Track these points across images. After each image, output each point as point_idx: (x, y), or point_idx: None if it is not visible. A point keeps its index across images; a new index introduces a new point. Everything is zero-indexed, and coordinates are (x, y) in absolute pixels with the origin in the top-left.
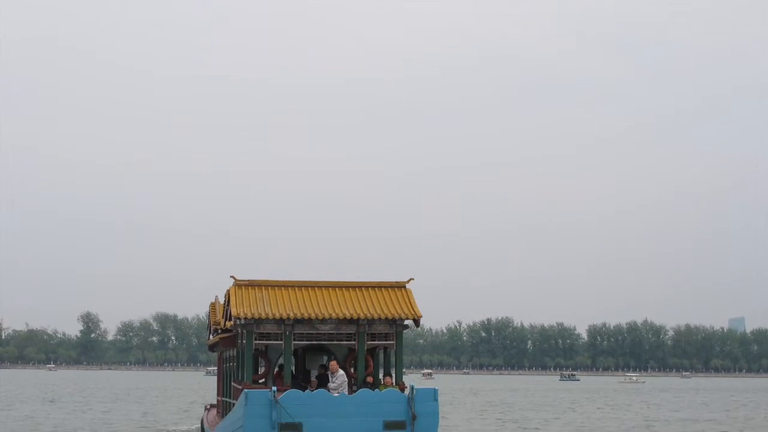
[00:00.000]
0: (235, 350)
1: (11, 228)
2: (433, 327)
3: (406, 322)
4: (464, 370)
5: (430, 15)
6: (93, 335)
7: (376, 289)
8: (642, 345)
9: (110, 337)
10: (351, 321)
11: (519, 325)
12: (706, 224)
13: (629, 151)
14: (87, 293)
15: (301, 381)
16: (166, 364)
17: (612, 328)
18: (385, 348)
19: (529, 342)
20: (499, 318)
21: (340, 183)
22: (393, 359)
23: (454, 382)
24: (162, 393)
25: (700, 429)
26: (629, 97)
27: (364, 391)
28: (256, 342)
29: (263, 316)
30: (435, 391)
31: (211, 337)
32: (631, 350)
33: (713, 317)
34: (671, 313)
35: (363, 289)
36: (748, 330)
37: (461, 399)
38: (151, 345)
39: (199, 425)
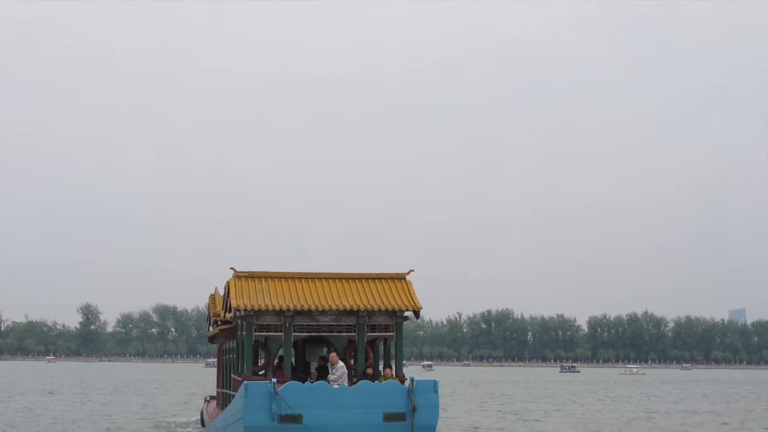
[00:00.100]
0: (234, 342)
1: (10, 220)
2: (433, 318)
3: (406, 313)
4: (464, 362)
5: (430, 9)
6: (92, 327)
7: (376, 280)
8: (642, 337)
9: (110, 328)
10: (351, 312)
11: (519, 316)
12: (706, 216)
13: (631, 144)
14: (86, 285)
15: (301, 373)
16: (165, 355)
17: (612, 319)
18: (385, 339)
19: (530, 334)
20: (500, 310)
21: (339, 176)
22: (393, 351)
23: (455, 374)
24: (162, 385)
25: (700, 421)
26: (631, 90)
27: (364, 383)
28: (256, 333)
29: (263, 307)
30: (435, 383)
31: (210, 328)
32: (631, 342)
33: (714, 309)
34: (672, 304)
35: (363, 280)
36: (749, 322)
37: (461, 391)
38: (151, 337)
39: (199, 417)
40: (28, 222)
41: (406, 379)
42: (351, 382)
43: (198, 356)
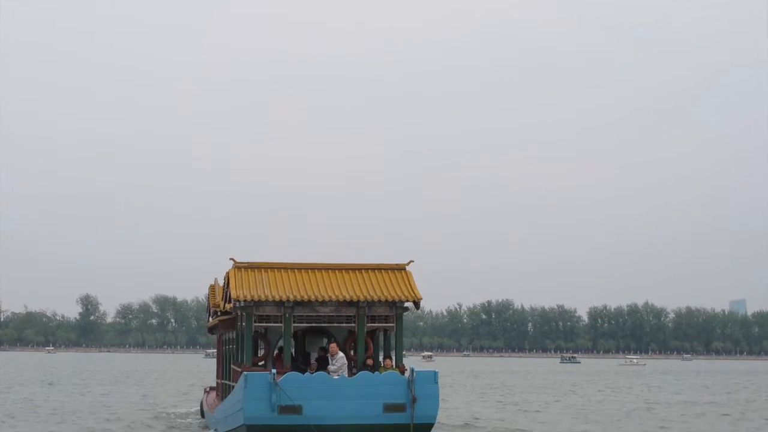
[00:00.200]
0: (234, 333)
1: (10, 210)
2: (433, 309)
3: (406, 304)
4: (464, 353)
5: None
6: (92, 318)
7: (376, 271)
8: (643, 327)
9: (109, 319)
10: (351, 303)
11: (519, 307)
12: (707, 206)
13: (629, 135)
14: (86, 275)
15: (300, 363)
16: (165, 346)
17: (613, 310)
18: (385, 330)
19: (530, 324)
20: (500, 300)
21: (340, 166)
22: (393, 341)
23: (455, 365)
24: (161, 375)
25: (701, 412)
26: (630, 80)
27: (364, 374)
28: (256, 324)
29: (263, 298)
30: (435, 374)
31: (210, 319)
32: (631, 333)
33: (714, 299)
34: (672, 295)
35: (363, 271)
36: (749, 312)
37: (461, 381)
38: (151, 327)
39: (199, 408)
40: (27, 213)
41: (406, 369)
42: (351, 373)
43: (197, 347)
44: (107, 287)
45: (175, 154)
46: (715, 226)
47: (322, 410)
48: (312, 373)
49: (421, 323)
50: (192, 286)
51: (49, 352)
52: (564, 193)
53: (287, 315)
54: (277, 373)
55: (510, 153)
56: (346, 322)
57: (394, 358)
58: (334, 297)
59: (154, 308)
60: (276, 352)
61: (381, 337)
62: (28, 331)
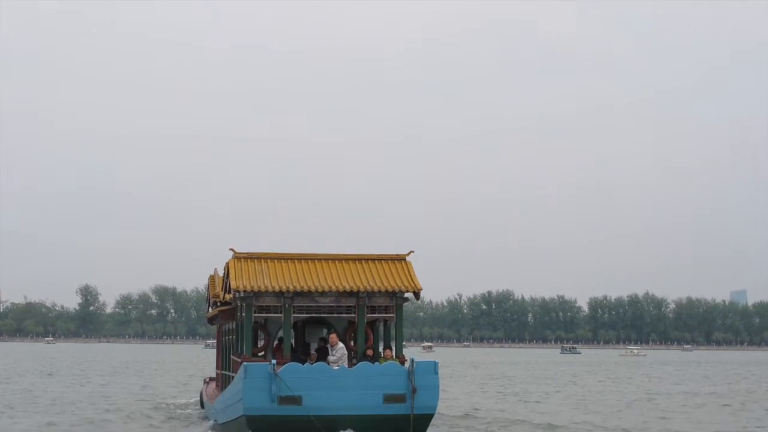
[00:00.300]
0: (234, 323)
1: (9, 199)
2: (433, 300)
3: (406, 294)
4: (465, 343)
5: None
6: (91, 308)
7: (376, 261)
8: (643, 318)
9: (109, 310)
10: (351, 294)
11: (520, 297)
12: (707, 197)
13: (630, 125)
14: (86, 266)
15: (300, 354)
16: (165, 337)
17: (613, 300)
18: (385, 321)
19: (530, 315)
20: (500, 291)
21: (340, 151)
22: (393, 332)
23: (455, 355)
24: (161, 366)
25: (701, 402)
26: (629, 71)
27: (363, 365)
28: (256, 315)
29: (262, 288)
30: (435, 364)
31: (210, 310)
32: (632, 323)
33: (714, 290)
34: (672, 285)
35: (363, 261)
36: (750, 303)
37: (462, 372)
38: (150, 318)
39: (198, 398)
40: (27, 203)
41: (406, 360)
42: (351, 364)
43: (197, 337)
44: (107, 277)
45: (174, 145)
46: (716, 216)
47: (321, 401)
48: (312, 364)
49: (421, 314)
50: (191, 277)
51: (48, 343)
52: (564, 182)
53: (287, 305)
54: (277, 363)
55: (510, 140)
56: (346, 313)
57: (394, 348)
58: (334, 287)
59: (154, 299)
60: (276, 342)
61: (381, 328)
62: (28, 322)
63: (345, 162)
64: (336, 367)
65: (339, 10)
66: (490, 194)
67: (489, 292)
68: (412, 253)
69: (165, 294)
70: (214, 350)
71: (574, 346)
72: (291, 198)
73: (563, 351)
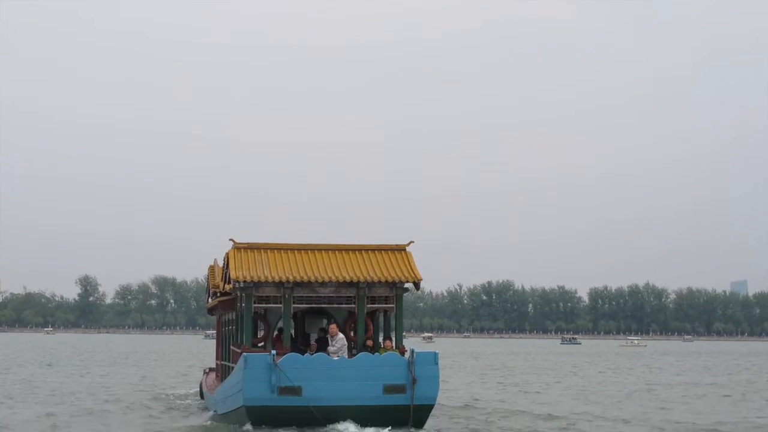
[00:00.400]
0: (234, 313)
1: (10, 190)
2: (433, 290)
3: (406, 285)
4: (465, 334)
5: None
6: (91, 298)
7: (376, 252)
8: (644, 308)
9: (108, 300)
10: (351, 284)
11: (520, 288)
12: (707, 187)
13: (629, 114)
14: (85, 256)
15: (300, 344)
16: (164, 327)
17: (613, 291)
18: (385, 311)
19: (530, 305)
20: (500, 281)
21: (340, 145)
22: (393, 323)
23: (455, 346)
24: (160, 356)
25: (702, 393)
26: (629, 62)
27: (363, 355)
28: (256, 305)
29: (262, 279)
30: (435, 355)
31: (210, 300)
32: (632, 313)
33: (715, 280)
34: (673, 276)
35: (363, 252)
36: (751, 293)
37: (462, 362)
38: (150, 308)
39: (198, 389)
40: (27, 193)
41: (406, 350)
42: (351, 354)
43: (197, 328)
44: (106, 267)
45: (174, 136)
46: (716, 206)
47: (321, 391)
48: (312, 354)
49: (421, 304)
50: (191, 267)
51: (47, 333)
52: (564, 172)
53: (287, 296)
54: (277, 354)
55: (509, 132)
56: (346, 303)
57: (394, 339)
58: (334, 278)
59: (154, 289)
60: (276, 333)
61: (381, 318)
62: (27, 312)
63: (345, 154)
64: (336, 358)
65: (338, 8)
66: (490, 185)
67: (489, 283)
68: (412, 244)
69: (165, 284)
70: (214, 341)
71: (575, 336)
72: (291, 189)
73: (563, 341)
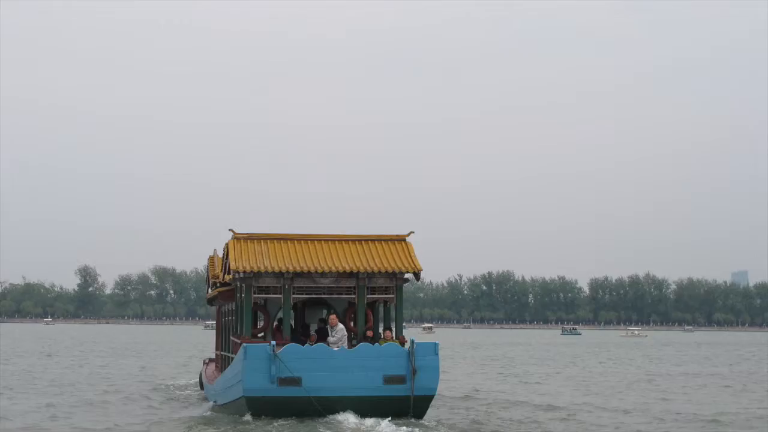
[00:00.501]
0: (233, 304)
1: (9, 180)
2: (433, 280)
3: (407, 275)
4: (465, 324)
5: None
6: (90, 289)
7: (376, 242)
8: (644, 299)
9: (108, 290)
10: (351, 274)
11: (520, 278)
12: (707, 176)
13: (629, 104)
14: (85, 246)
15: (300, 335)
16: (164, 317)
17: (614, 281)
18: (385, 302)
19: (531, 296)
20: (501, 271)
21: (340, 136)
22: (393, 313)
23: (455, 336)
24: (160, 347)
25: (702, 383)
26: (630, 48)
27: (363, 345)
28: (255, 296)
29: (262, 269)
30: (435, 345)
31: (209, 290)
32: (633, 304)
33: (716, 270)
34: (673, 266)
35: (363, 242)
36: (752, 283)
37: (462, 353)
38: (149, 299)
39: (198, 379)
40: (27, 183)
41: (406, 341)
42: (351, 345)
43: (197, 318)
44: (105, 257)
45: (174, 125)
46: (716, 196)
47: (321, 382)
48: (312, 345)
49: (422, 295)
50: (191, 257)
51: (47, 324)
52: (563, 162)
53: (287, 286)
54: (277, 344)
55: (509, 121)
56: (346, 294)
57: (394, 329)
58: (333, 268)
59: (153, 279)
60: (275, 323)
61: (381, 309)
62: (27, 303)
63: (345, 144)
64: (336, 348)
65: None
66: (490, 174)
67: (489, 273)
68: (412, 234)
69: (164, 275)
70: (214, 331)
71: (575, 327)
72: (291, 179)
73: (564, 332)
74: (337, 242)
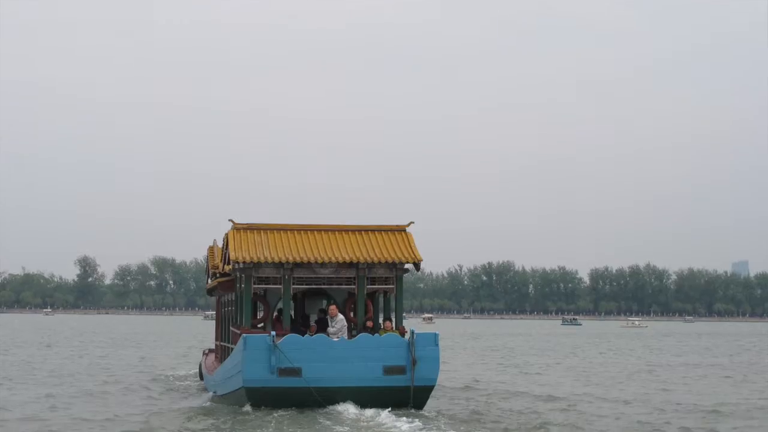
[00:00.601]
0: (233, 294)
1: (9, 171)
2: (433, 271)
3: (407, 265)
4: (465, 315)
5: None
6: (90, 279)
7: (376, 232)
8: (644, 289)
9: (107, 281)
10: (351, 265)
11: (520, 269)
12: (708, 167)
13: (629, 95)
14: (84, 237)
15: (300, 325)
16: (164, 308)
17: (614, 271)
18: (385, 292)
19: (531, 286)
20: (501, 262)
21: (340, 129)
22: (393, 303)
23: (455, 327)
24: (160, 338)
25: (703, 374)
26: (629, 40)
27: (363, 336)
28: (255, 286)
29: (262, 260)
30: (435, 336)
31: (209, 281)
32: (633, 294)
33: (716, 261)
34: (674, 256)
35: (363, 232)
36: (752, 274)
37: (462, 343)
38: (149, 289)
39: (197, 370)
40: (27, 174)
41: (406, 331)
42: (350, 335)
43: (196, 309)
44: (104, 248)
45: (174, 115)
46: (716, 186)
47: (321, 372)
48: (311, 335)
49: (422, 285)
50: (191, 248)
51: (47, 314)
52: (563, 152)
53: (287, 277)
54: (277, 335)
55: (509, 113)
56: (346, 284)
57: (394, 320)
58: (333, 258)
59: (153, 270)
60: (275, 314)
61: (381, 299)
62: (26, 293)
63: (345, 138)
64: (336, 339)
65: None
66: (490, 165)
67: (489, 264)
68: (412, 224)
69: (164, 265)
70: (213, 322)
71: (575, 317)
72: (291, 171)
73: (564, 322)
74: (336, 232)
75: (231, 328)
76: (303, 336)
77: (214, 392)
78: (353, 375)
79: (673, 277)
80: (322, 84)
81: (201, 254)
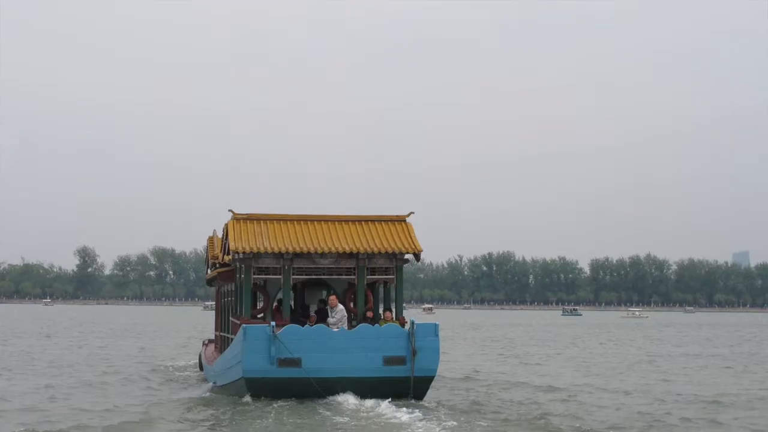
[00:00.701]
0: (233, 285)
1: (9, 161)
2: (433, 261)
3: (407, 256)
4: (465, 305)
5: None
6: (90, 270)
7: (376, 222)
8: (645, 279)
9: (107, 271)
10: (351, 255)
11: (521, 259)
12: (709, 157)
13: (628, 86)
14: (84, 227)
15: (300, 316)
16: (163, 298)
17: (614, 262)
18: (385, 282)
19: (531, 276)
20: (501, 252)
21: (340, 118)
22: (393, 294)
23: (455, 317)
24: (159, 328)
25: (703, 364)
26: (629, 32)
27: (363, 326)
28: (255, 276)
29: (262, 250)
30: (436, 326)
31: (209, 271)
32: (634, 285)
33: (717, 251)
34: (674, 247)
35: (363, 223)
36: (753, 264)
37: (462, 334)
38: (149, 279)
39: (197, 360)
40: (26, 164)
41: (406, 322)
42: (350, 326)
43: (196, 299)
44: (104, 238)
45: (174, 106)
46: (718, 177)
47: (321, 363)
48: (311, 326)
49: (422, 275)
50: (191, 238)
51: (46, 305)
52: (563, 142)
53: (286, 267)
54: (276, 325)
55: (509, 101)
56: (346, 274)
57: (394, 310)
58: (333, 249)
59: (152, 260)
60: (275, 304)
61: (381, 290)
62: (26, 284)
63: (345, 126)
64: (336, 329)
65: None
66: (490, 155)
67: (490, 254)
68: (412, 214)
69: (164, 255)
70: (213, 312)
71: (576, 307)
72: (291, 161)
73: (564, 313)
74: (337, 223)
75: (231, 318)
76: (303, 326)
77: (214, 383)
78: (353, 365)
79: (674, 267)
80: (322, 75)
81: (201, 244)
